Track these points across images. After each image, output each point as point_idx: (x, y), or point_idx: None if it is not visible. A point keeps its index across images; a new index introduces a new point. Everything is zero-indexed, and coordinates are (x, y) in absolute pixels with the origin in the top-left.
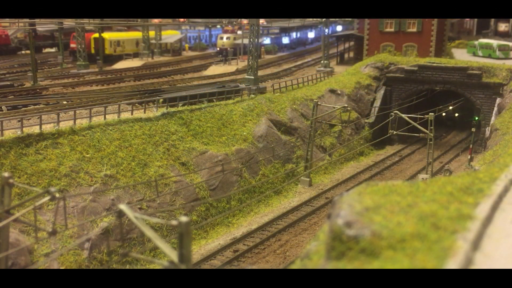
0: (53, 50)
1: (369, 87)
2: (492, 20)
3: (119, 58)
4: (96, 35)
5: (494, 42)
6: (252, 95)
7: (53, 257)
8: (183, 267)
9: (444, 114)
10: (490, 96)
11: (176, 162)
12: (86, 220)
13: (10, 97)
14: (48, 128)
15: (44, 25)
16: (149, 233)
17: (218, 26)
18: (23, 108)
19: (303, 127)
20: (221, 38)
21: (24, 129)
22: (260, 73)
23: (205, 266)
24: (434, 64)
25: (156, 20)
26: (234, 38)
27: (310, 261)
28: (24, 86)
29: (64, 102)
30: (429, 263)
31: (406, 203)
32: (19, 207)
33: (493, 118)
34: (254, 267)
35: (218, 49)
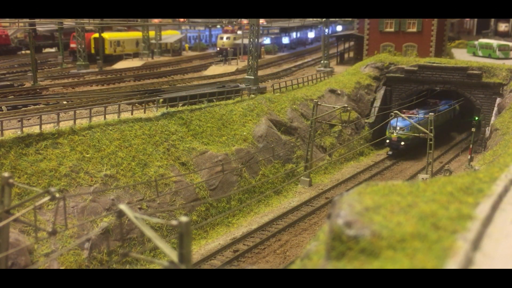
0: (53, 50)
1: (369, 87)
2: (492, 20)
3: (119, 58)
4: (96, 35)
5: (494, 42)
6: (252, 95)
7: (53, 257)
8: (183, 267)
9: (387, 141)
10: (490, 96)
11: (176, 162)
12: (86, 220)
13: (10, 97)
14: (48, 128)
15: (44, 25)
16: (149, 233)
17: (218, 26)
18: (23, 108)
19: (303, 127)
20: (221, 38)
21: (24, 129)
22: (260, 73)
23: (205, 266)
24: (434, 64)
25: (156, 20)
26: (234, 38)
27: (310, 261)
28: (24, 86)
29: (64, 102)
30: (429, 263)
31: (406, 203)
32: (19, 207)
33: (493, 118)
34: (254, 267)
35: (218, 49)
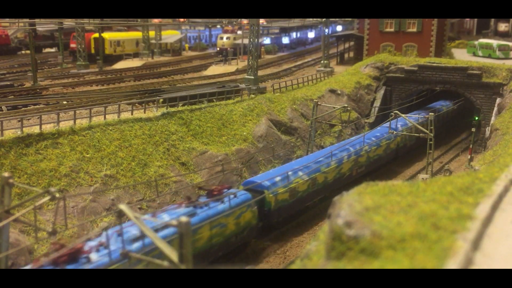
0: (53, 50)
1: (369, 87)
2: (492, 20)
3: (119, 58)
4: (96, 35)
5: (494, 42)
6: (252, 95)
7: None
8: (183, 267)
9: None
10: (490, 96)
11: (176, 162)
12: (86, 220)
13: (10, 97)
14: (48, 128)
15: (44, 25)
16: (149, 233)
17: (218, 26)
18: (23, 108)
19: (303, 127)
20: (221, 38)
21: (24, 129)
22: (260, 73)
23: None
24: (434, 64)
25: (156, 20)
26: (234, 38)
27: (310, 261)
28: (24, 86)
29: (64, 102)
30: (429, 263)
31: (406, 203)
32: (19, 207)
33: (493, 118)
34: (254, 267)
35: (218, 49)
